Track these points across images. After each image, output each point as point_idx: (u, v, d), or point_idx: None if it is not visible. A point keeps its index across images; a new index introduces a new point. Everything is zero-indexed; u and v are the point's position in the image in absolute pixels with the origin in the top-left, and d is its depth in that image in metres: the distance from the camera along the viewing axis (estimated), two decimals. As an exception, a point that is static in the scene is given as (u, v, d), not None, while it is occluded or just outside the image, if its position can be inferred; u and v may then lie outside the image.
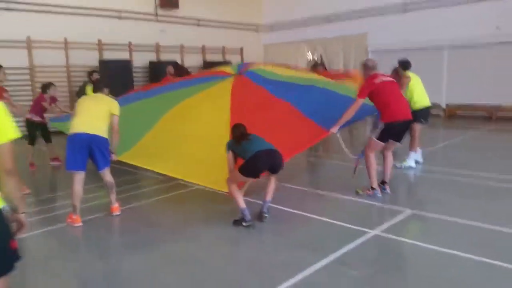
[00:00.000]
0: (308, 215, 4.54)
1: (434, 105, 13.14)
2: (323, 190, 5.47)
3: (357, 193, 5.11)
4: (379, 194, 5.01)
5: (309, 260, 3.40)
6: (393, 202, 4.87)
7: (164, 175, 5.60)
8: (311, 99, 6.10)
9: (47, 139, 7.67)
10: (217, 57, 15.63)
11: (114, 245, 4.12)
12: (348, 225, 4.17)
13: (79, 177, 4.44)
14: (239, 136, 4.25)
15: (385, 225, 4.13)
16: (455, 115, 13.12)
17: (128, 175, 6.56)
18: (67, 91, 11.82)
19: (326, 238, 3.90)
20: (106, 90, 4.89)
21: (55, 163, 7.67)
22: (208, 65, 14.84)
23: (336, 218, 4.37)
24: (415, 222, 4.31)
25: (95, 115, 4.51)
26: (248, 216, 4.15)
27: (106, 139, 4.52)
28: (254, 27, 17.10)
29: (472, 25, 12.14)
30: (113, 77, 11.57)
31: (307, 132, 5.37)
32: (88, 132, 4.37)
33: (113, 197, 4.71)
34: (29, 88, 11.19)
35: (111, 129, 4.61)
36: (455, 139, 9.19)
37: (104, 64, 11.94)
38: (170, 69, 9.67)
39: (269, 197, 4.39)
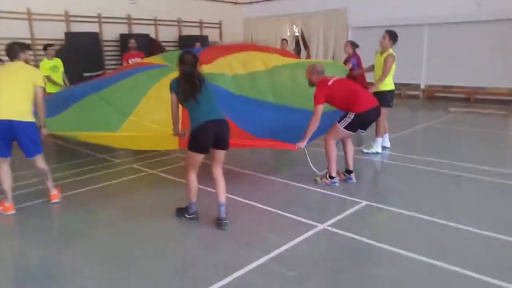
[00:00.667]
0: (255, 204, 4.31)
1: (413, 86, 13.13)
2: (277, 176, 5.21)
3: (315, 182, 4.88)
4: (337, 183, 4.79)
5: (246, 258, 3.17)
6: (351, 192, 4.64)
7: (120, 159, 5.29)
8: (266, 119, 5.50)
9: None
10: (195, 31, 15.05)
11: (42, 234, 3.79)
12: (296, 217, 3.94)
13: (5, 164, 4.10)
14: (187, 75, 3.59)
15: (335, 219, 3.90)
16: (434, 97, 12.91)
17: (78, 158, 6.24)
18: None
19: (270, 232, 3.66)
20: (24, 54, 4.18)
21: None
22: (184, 39, 14.31)
23: (285, 209, 4.13)
24: (369, 216, 4.07)
25: (14, 94, 3.95)
26: (193, 209, 3.87)
27: (32, 123, 4.08)
28: (233, 0, 16.48)
29: (453, 2, 11.77)
30: (80, 50, 11.08)
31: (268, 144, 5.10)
32: (7, 118, 3.91)
33: (49, 184, 4.37)
34: (-11, 61, 10.57)
35: (36, 102, 4.10)
36: (430, 122, 9.00)
37: (71, 37, 11.34)
38: (132, 43, 9.13)
39: (223, 198, 3.78)
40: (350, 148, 4.96)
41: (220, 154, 3.76)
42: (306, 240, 3.48)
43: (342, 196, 4.52)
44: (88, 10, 12.17)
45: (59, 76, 7.81)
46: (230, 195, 4.48)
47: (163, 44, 13.36)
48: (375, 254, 3.26)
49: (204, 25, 15.39)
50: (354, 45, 7.44)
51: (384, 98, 5.90)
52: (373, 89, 5.88)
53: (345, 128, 4.61)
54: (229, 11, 16.30)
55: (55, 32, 11.42)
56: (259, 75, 6.14)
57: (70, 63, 10.03)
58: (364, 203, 4.30)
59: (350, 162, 4.95)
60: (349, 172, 4.97)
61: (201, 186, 4.02)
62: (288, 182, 4.98)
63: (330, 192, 4.63)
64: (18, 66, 4.12)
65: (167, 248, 3.43)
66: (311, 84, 4.79)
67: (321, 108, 4.59)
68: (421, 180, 5.08)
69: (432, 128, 8.42)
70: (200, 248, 3.43)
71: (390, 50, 5.92)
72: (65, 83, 7.92)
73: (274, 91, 6.09)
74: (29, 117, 4.03)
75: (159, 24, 14.03)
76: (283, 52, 7.53)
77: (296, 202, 4.40)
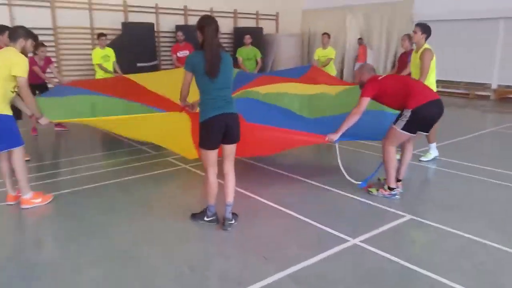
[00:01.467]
0: (283, 209, 3.94)
1: (483, 86, 11.89)
2: (313, 179, 4.78)
3: (370, 193, 4.32)
4: (398, 195, 4.24)
5: (256, 272, 2.84)
6: (395, 203, 4.11)
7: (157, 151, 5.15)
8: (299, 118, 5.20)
9: None
10: (250, 23, 14.81)
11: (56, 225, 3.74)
12: (327, 229, 3.52)
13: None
14: (209, 41, 3.14)
15: (371, 233, 3.45)
16: (507, 98, 11.64)
17: (114, 148, 6.23)
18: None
19: (292, 244, 3.28)
20: (25, 41, 3.79)
21: (59, 128, 7.47)
22: (239, 30, 14.11)
23: (316, 217, 3.72)
24: (411, 232, 3.57)
25: None
26: (212, 211, 3.57)
27: (5, 115, 3.72)
28: (292, -10, 16.01)
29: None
30: (135, 41, 11.26)
31: (295, 136, 4.47)
32: None
33: (9, 184, 4.01)
34: (53, 49, 11.06)
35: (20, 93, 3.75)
36: (499, 126, 8.05)
37: (127, 27, 11.56)
38: (179, 35, 9.03)
39: (230, 198, 3.51)
40: (409, 155, 4.37)
41: (230, 149, 3.45)
42: (331, 256, 3.07)
43: (384, 207, 4.01)
44: (146, 1, 12.35)
45: (109, 65, 7.92)
46: (255, 196, 4.21)
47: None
48: (409, 280, 2.79)
49: (260, 16, 15.10)
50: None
51: None
52: None
53: (402, 129, 4.00)
54: (287, 2, 15.85)
55: (113, 21, 11.71)
56: (293, 96, 5.68)
57: (125, 53, 10.26)
58: (407, 217, 3.78)
59: (403, 170, 4.39)
60: (397, 180, 4.42)
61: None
62: (325, 187, 4.55)
63: (371, 202, 4.14)
64: (2, 52, 3.82)
65: (174, 250, 3.18)
66: (362, 84, 4.25)
67: (366, 101, 4.07)
68: (477, 193, 4.43)
69: (501, 133, 7.50)
70: (209, 254, 3.15)
71: (426, 45, 5.12)
72: (116, 72, 8.03)
73: (310, 109, 5.50)
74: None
75: (215, 16, 13.92)
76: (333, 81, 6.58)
77: (330, 210, 3.97)
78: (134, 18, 12.16)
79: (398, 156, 5.36)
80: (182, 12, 13.18)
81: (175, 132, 4.48)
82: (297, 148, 6.39)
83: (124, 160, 5.60)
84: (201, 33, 3.22)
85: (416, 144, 4.80)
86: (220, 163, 3.50)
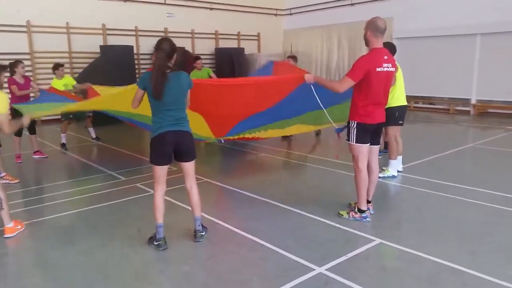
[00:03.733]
0: (249, 236, 3.77)
1: (463, 100, 11.96)
2: (274, 199, 4.69)
3: (340, 216, 4.17)
4: (369, 219, 4.07)
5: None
6: (365, 227, 3.98)
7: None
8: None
9: (31, 130, 7.02)
10: (232, 43, 14.85)
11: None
12: (292, 257, 3.36)
13: None
14: (156, 64, 3.25)
15: (338, 260, 3.29)
16: (486, 113, 11.70)
17: (89, 174, 6.04)
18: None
19: (253, 275, 3.10)
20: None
21: (38, 156, 7.23)
22: (220, 51, 14.15)
23: (281, 244, 3.56)
24: (380, 259, 3.42)
25: None
26: (160, 234, 3.48)
27: None
28: (273, 11, 16.13)
29: (510, 7, 10.65)
30: (113, 63, 11.16)
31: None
32: None
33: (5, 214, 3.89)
34: (30, 74, 10.90)
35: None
36: (478, 141, 8.01)
37: (105, 50, 11.47)
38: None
39: (197, 212, 3.64)
40: (375, 173, 4.22)
41: (187, 166, 3.55)
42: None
43: (355, 231, 3.86)
44: (125, 24, 12.32)
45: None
46: (221, 222, 4.06)
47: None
48: (375, 314, 2.64)
49: (242, 37, 15.16)
50: None
51: (392, 114, 5.14)
52: None
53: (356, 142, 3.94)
54: (268, 22, 15.99)
55: (91, 45, 11.62)
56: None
57: (104, 75, 10.14)
58: (377, 241, 3.64)
59: (371, 191, 4.25)
60: (367, 202, 4.30)
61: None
62: (295, 210, 4.39)
63: (341, 226, 3.97)
64: None
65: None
66: (366, 42, 3.89)
67: (349, 82, 3.77)
68: (450, 213, 4.29)
69: (479, 149, 7.46)
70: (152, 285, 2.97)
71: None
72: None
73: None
74: None
75: (196, 37, 13.96)
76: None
77: (298, 236, 3.80)
78: (113, 41, 12.10)
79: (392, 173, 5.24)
80: (163, 34, 13.17)
81: None
82: (268, 169, 6.30)
83: (90, 188, 5.40)
84: (154, 54, 3.36)
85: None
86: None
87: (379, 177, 5.35)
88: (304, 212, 4.32)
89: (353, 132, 3.94)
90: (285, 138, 8.62)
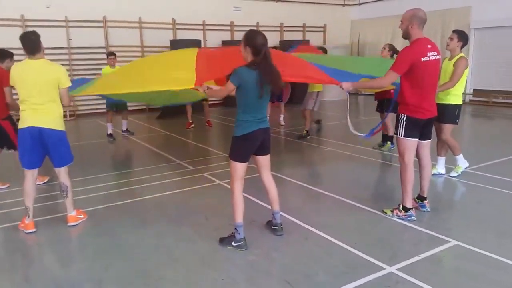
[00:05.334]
0: (313, 230, 3.72)
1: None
2: (340, 195, 4.56)
3: (384, 213, 4.02)
4: (414, 217, 3.88)
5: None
6: (437, 226, 3.76)
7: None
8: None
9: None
10: (297, 35, 14.70)
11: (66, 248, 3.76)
12: (360, 254, 3.26)
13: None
14: (270, 63, 3.17)
15: (409, 261, 3.14)
16: None
17: (152, 163, 6.29)
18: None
19: (320, 271, 3.04)
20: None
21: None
22: (285, 43, 14.08)
23: (349, 241, 3.46)
24: (455, 261, 3.21)
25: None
26: (240, 234, 3.40)
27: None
28: (341, 1, 15.71)
29: None
30: (182, 57, 11.53)
31: (312, 72, 4.93)
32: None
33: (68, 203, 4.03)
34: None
35: None
36: None
37: (175, 44, 11.85)
38: None
39: (277, 206, 3.61)
40: (427, 168, 4.03)
41: (266, 160, 3.54)
42: (362, 286, 2.82)
43: (427, 231, 3.66)
44: (193, 18, 12.65)
45: None
46: (287, 215, 4.02)
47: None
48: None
49: (307, 29, 14.95)
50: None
51: (450, 112, 4.88)
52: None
53: (405, 135, 3.79)
54: (335, 13, 15.61)
55: (162, 39, 12.08)
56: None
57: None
58: (452, 242, 3.42)
59: (425, 186, 4.06)
60: (422, 198, 4.08)
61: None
62: (362, 207, 4.26)
63: (412, 225, 3.79)
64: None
65: (197, 274, 3.06)
66: (406, 35, 3.75)
67: (394, 76, 3.67)
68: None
69: None
70: (232, 280, 2.98)
71: (461, 53, 4.85)
72: None
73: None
74: None
75: (261, 30, 13.98)
76: None
77: (367, 233, 3.69)
78: (182, 35, 12.48)
79: (439, 170, 4.99)
80: (228, 28, 13.36)
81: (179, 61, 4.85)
82: (335, 166, 6.15)
83: (161, 176, 5.63)
84: (254, 47, 3.15)
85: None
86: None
87: (453, 176, 5.08)
88: (373, 210, 4.17)
89: (402, 126, 3.77)
90: (317, 122, 8.72)
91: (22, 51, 3.77)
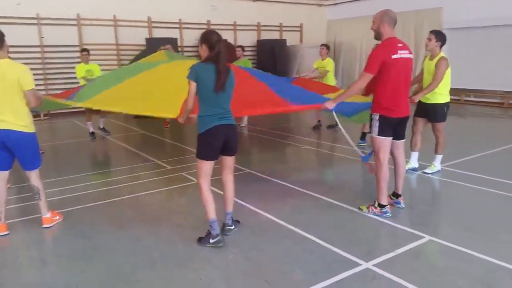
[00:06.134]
0: (292, 228, 3.75)
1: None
2: (317, 192, 4.64)
3: (360, 210, 4.09)
4: (389, 213, 3.96)
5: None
6: (410, 222, 3.86)
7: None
8: (298, 92, 5.51)
9: None
10: (274, 35, 14.76)
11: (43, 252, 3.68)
12: (336, 250, 3.31)
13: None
14: (223, 58, 3.22)
15: (385, 256, 3.21)
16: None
17: (132, 163, 6.21)
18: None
19: (296, 268, 3.07)
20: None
21: None
22: (262, 43, 14.16)
23: (325, 238, 3.51)
24: (429, 256, 3.31)
25: None
26: (215, 230, 3.42)
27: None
28: (317, 1, 15.85)
29: None
30: (158, 55, 11.41)
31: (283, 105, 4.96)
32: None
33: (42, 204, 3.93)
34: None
35: None
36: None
37: (151, 42, 11.72)
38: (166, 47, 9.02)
39: (230, 207, 3.62)
40: (401, 166, 4.14)
41: (230, 160, 3.55)
42: (339, 282, 2.86)
43: (402, 227, 3.75)
44: (169, 16, 12.53)
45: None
46: (264, 213, 4.06)
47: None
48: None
49: (284, 28, 15.03)
50: None
51: (440, 111, 5.09)
52: (418, 97, 4.99)
53: (378, 134, 3.87)
54: (311, 13, 15.73)
55: (137, 37, 11.93)
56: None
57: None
58: (426, 238, 3.51)
59: (400, 184, 4.16)
60: (396, 195, 4.18)
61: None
62: (339, 204, 4.32)
63: (383, 220, 3.89)
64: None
65: (175, 275, 3.04)
66: (377, 35, 3.83)
67: (367, 77, 3.76)
68: (504, 210, 4.07)
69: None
70: (210, 280, 2.98)
71: (442, 53, 4.99)
72: None
73: None
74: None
75: (238, 29, 13.99)
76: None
77: (343, 230, 3.74)
78: (158, 34, 12.35)
79: (412, 165, 5.13)
80: (205, 26, 13.28)
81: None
82: (311, 162, 6.22)
83: (138, 175, 5.57)
84: (209, 45, 3.24)
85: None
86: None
87: (427, 173, 5.22)
88: (349, 206, 4.24)
89: (376, 125, 3.86)
90: (315, 128, 8.64)
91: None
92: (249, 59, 13.06)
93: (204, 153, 3.35)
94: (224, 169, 3.56)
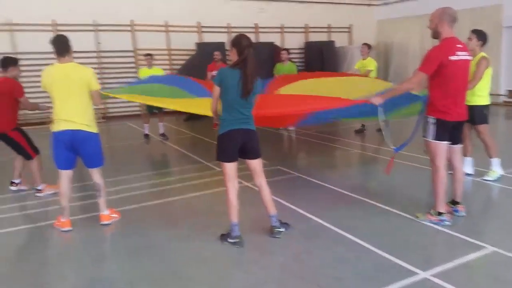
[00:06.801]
0: (343, 233, 3.66)
1: None
2: (371, 198, 4.49)
3: (416, 218, 3.91)
4: (448, 222, 3.76)
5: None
6: (472, 231, 3.65)
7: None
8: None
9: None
10: (322, 36, 14.61)
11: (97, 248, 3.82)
12: (391, 258, 3.19)
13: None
14: (241, 62, 3.22)
15: (444, 266, 3.05)
16: None
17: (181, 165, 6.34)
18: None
19: (349, 274, 3.00)
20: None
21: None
22: (310, 45, 14.05)
23: (379, 245, 3.40)
24: (492, 267, 3.11)
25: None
26: (235, 232, 3.48)
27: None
28: (366, 1, 15.52)
29: None
30: (208, 59, 11.62)
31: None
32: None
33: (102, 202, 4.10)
34: (134, 70, 11.81)
35: None
36: None
37: (201, 47, 12.00)
38: (216, 55, 9.18)
39: (272, 209, 3.63)
40: (459, 171, 3.93)
41: (255, 164, 3.56)
42: (395, 292, 2.77)
43: (463, 236, 3.54)
44: (218, 22, 12.74)
45: None
46: (315, 218, 4.00)
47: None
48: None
49: (332, 29, 14.83)
50: None
51: (479, 113, 4.77)
52: None
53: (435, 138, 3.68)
54: (360, 13, 15.42)
55: (189, 42, 12.23)
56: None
57: (201, 70, 10.66)
58: (489, 248, 3.31)
59: (459, 191, 3.95)
60: (455, 203, 3.96)
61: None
62: (393, 211, 4.17)
63: (441, 229, 3.70)
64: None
65: (224, 275, 3.08)
66: (435, 34, 3.67)
67: (421, 76, 3.59)
68: None
69: None
70: (260, 282, 2.97)
71: (482, 53, 4.72)
72: None
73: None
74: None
75: (286, 32, 13.97)
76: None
77: (398, 237, 3.61)
78: (208, 38, 12.60)
79: (466, 171, 4.90)
80: (253, 30, 13.38)
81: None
82: (365, 169, 6.07)
83: (189, 177, 5.68)
84: (240, 49, 3.27)
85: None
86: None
87: (487, 180, 4.92)
88: (402, 213, 4.08)
89: (431, 129, 3.66)
90: (358, 132, 8.39)
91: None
92: (296, 61, 13.05)
93: (221, 155, 3.44)
94: (253, 174, 3.61)
